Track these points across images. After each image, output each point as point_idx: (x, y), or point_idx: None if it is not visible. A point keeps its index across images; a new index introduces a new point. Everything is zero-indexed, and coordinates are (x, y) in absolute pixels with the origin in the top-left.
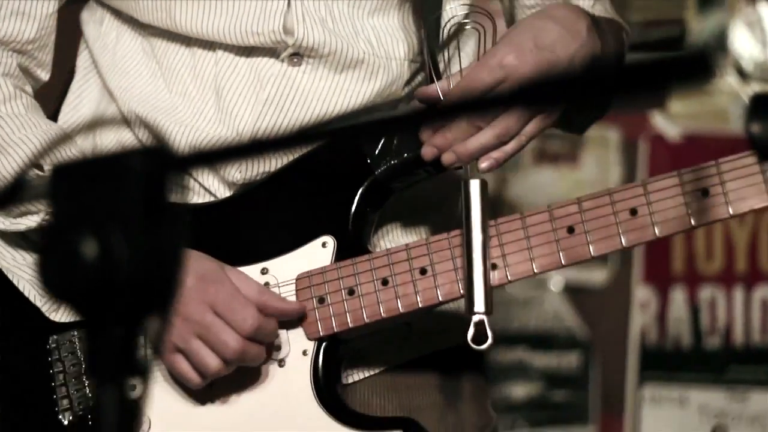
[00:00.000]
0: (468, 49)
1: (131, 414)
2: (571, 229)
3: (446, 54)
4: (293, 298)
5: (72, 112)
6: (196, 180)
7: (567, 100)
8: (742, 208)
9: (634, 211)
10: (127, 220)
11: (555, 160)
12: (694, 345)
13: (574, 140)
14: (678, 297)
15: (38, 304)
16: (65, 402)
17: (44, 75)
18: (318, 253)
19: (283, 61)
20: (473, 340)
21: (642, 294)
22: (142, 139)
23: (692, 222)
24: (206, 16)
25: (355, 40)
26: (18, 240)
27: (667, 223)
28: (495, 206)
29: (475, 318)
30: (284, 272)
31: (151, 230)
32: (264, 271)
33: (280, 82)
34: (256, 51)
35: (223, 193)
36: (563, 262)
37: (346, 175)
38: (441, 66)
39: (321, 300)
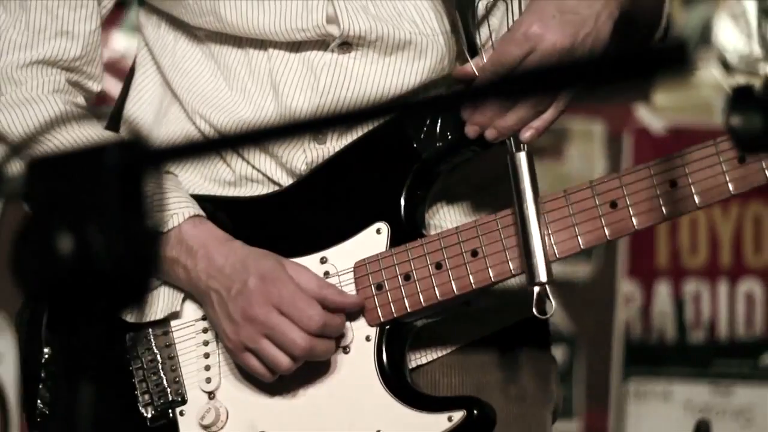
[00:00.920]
0: (496, 21)
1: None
2: (614, 204)
3: (480, 29)
4: (352, 286)
5: (135, 107)
6: (259, 170)
7: (600, 71)
8: None
9: (673, 183)
10: (103, 214)
11: (539, 154)
12: (679, 339)
13: (559, 134)
14: (662, 291)
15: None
16: (146, 397)
17: (96, 86)
18: (373, 239)
19: (333, 51)
20: (537, 309)
21: (626, 288)
22: (207, 135)
23: (731, 190)
24: (252, 16)
25: (399, 21)
26: None
27: (708, 193)
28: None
29: (537, 288)
30: (342, 260)
31: (127, 224)
32: (323, 260)
33: (334, 70)
34: (306, 45)
35: (287, 182)
36: (608, 236)
37: (395, 160)
38: (485, 36)
39: (379, 287)
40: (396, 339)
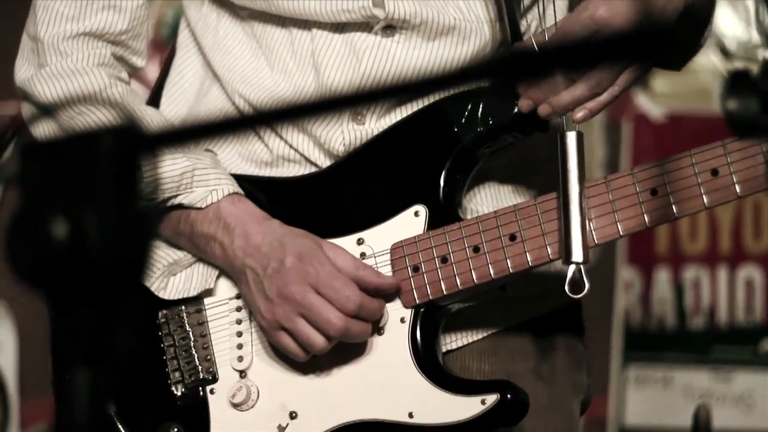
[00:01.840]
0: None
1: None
2: (654, 192)
3: (528, 16)
4: (389, 268)
5: (174, 88)
6: (296, 150)
7: (660, 52)
8: None
9: (715, 172)
10: (98, 200)
11: None
12: (678, 325)
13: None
14: (662, 277)
15: (147, 283)
16: (177, 374)
17: (140, 62)
18: (411, 222)
19: (376, 33)
20: (570, 289)
21: (626, 274)
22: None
23: None
24: None
25: (444, 7)
26: None
27: (749, 182)
28: None
29: (572, 267)
30: (379, 242)
31: (122, 209)
32: (360, 242)
33: (376, 53)
34: (350, 26)
35: (325, 163)
36: (648, 223)
37: (435, 144)
38: (523, 27)
39: (415, 269)
40: (430, 322)
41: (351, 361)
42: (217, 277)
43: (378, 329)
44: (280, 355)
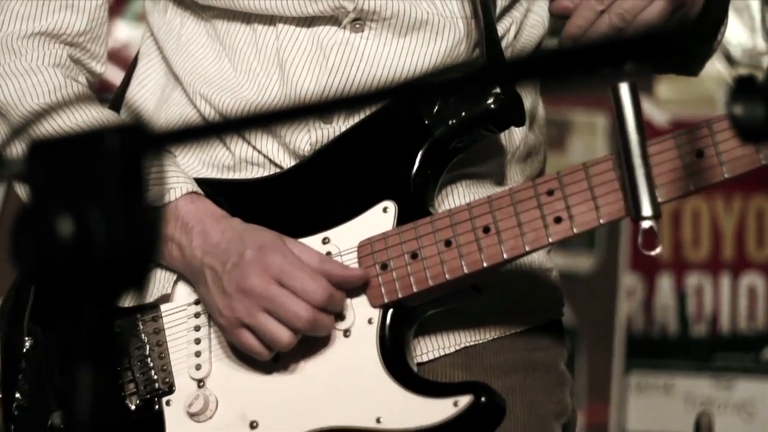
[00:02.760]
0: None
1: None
2: (700, 153)
3: (506, 20)
4: (356, 266)
5: (135, 97)
6: (260, 152)
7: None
8: None
9: (700, 153)
10: (103, 198)
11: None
12: (681, 332)
13: (561, 126)
14: (665, 284)
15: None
16: (131, 386)
17: (99, 67)
18: (379, 218)
19: (345, 28)
20: (643, 244)
21: (628, 281)
22: (208, 118)
23: (761, 159)
24: None
25: (416, 0)
26: None
27: (735, 162)
28: None
29: (645, 224)
30: (346, 240)
31: (128, 208)
32: (325, 241)
33: (344, 49)
34: (317, 20)
35: (289, 164)
36: (625, 212)
37: (405, 138)
38: (501, 31)
39: (384, 266)
40: (400, 323)
41: (316, 366)
42: (175, 282)
43: (344, 332)
44: (241, 360)
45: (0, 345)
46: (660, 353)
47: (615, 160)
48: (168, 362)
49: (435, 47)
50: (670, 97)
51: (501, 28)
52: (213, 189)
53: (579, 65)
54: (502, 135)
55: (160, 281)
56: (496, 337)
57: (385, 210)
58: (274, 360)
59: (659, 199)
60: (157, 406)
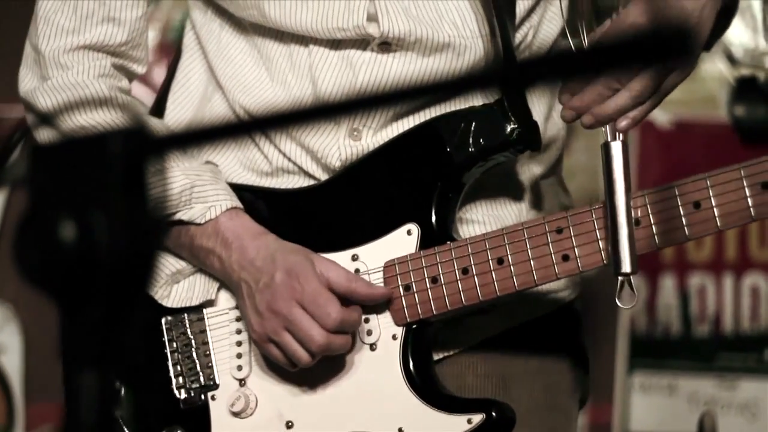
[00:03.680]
0: (536, 21)
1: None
2: (637, 222)
3: (524, 27)
4: (381, 285)
5: (180, 90)
6: (294, 162)
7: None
8: None
9: (697, 205)
10: (106, 202)
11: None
12: (684, 333)
13: (567, 128)
14: (667, 284)
15: (150, 291)
16: (180, 379)
17: (140, 69)
18: (403, 240)
19: (372, 50)
20: (621, 300)
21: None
22: None
23: (752, 215)
24: (294, 12)
25: (439, 24)
26: None
27: (730, 216)
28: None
29: (621, 278)
30: (373, 259)
31: (130, 212)
32: (354, 258)
33: (373, 68)
34: (346, 43)
35: (321, 175)
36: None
37: (427, 163)
38: (519, 38)
39: (407, 288)
40: (421, 338)
41: (345, 376)
42: (219, 289)
43: (371, 345)
44: (276, 365)
45: (60, 336)
46: (663, 353)
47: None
48: (212, 360)
49: (458, 66)
50: (672, 98)
51: (519, 34)
52: (253, 196)
53: (590, 66)
54: None
55: (205, 286)
56: (514, 325)
57: (409, 233)
58: (308, 368)
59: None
60: (203, 399)
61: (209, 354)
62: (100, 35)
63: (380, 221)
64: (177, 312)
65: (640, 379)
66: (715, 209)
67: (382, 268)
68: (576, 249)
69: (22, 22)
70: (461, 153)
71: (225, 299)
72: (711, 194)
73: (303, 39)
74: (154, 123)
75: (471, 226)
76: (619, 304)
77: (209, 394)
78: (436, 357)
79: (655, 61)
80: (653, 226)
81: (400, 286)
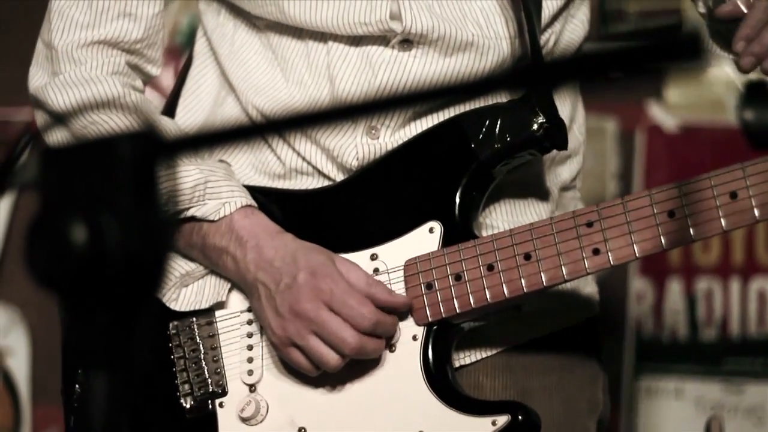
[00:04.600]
0: (581, 16)
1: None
2: (671, 213)
3: (548, 31)
4: (402, 285)
5: (191, 98)
6: (309, 162)
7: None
8: None
9: (734, 195)
10: (117, 205)
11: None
12: (691, 337)
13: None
14: (674, 289)
15: (158, 294)
16: (186, 387)
17: (154, 70)
18: (425, 238)
19: (393, 47)
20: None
21: (638, 285)
22: None
23: None
24: (314, 8)
25: (463, 23)
26: None
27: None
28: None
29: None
30: (393, 258)
31: (141, 214)
32: (374, 257)
33: (392, 67)
34: (366, 39)
35: (337, 175)
36: (664, 245)
37: (451, 160)
38: (544, 40)
39: (429, 286)
40: (443, 340)
41: (362, 377)
42: (229, 290)
43: (390, 346)
44: (290, 369)
45: (62, 339)
46: (670, 357)
47: (652, 196)
48: (221, 366)
49: (480, 67)
50: (679, 102)
51: (541, 40)
52: (267, 198)
53: (611, 68)
54: None
55: (215, 288)
56: (535, 336)
57: (431, 230)
58: (324, 371)
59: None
60: (210, 407)
61: (218, 359)
62: (116, 31)
63: (400, 219)
64: (185, 316)
65: (647, 383)
66: (752, 199)
67: (402, 267)
68: (607, 242)
69: (28, 26)
70: (486, 149)
71: (236, 301)
72: (748, 184)
73: (322, 36)
74: (166, 123)
75: (491, 231)
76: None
77: (217, 402)
78: (454, 365)
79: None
80: (687, 218)
81: (422, 285)
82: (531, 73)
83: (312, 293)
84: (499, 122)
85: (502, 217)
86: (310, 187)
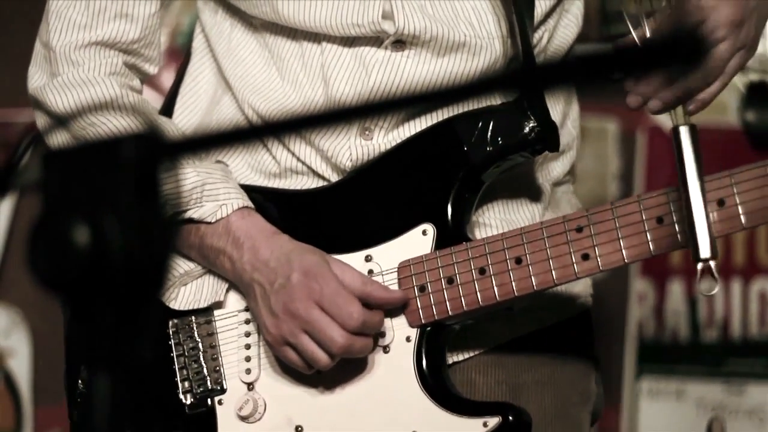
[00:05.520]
0: (575, 10)
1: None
2: (660, 219)
3: (541, 29)
4: (396, 286)
5: (189, 94)
6: (303, 162)
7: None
8: None
9: (721, 202)
10: (119, 206)
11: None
12: (692, 338)
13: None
14: (676, 290)
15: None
16: (186, 384)
17: (152, 69)
18: (419, 240)
19: (386, 48)
20: (702, 286)
21: (639, 286)
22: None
23: None
24: (308, 9)
25: (455, 23)
26: None
27: (755, 214)
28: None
29: (701, 265)
30: (387, 260)
31: (143, 216)
32: (368, 259)
33: (386, 67)
34: (359, 40)
35: (331, 176)
36: (653, 251)
37: (444, 163)
38: (534, 41)
39: (422, 288)
40: (436, 341)
41: (357, 378)
42: (227, 290)
43: (384, 348)
44: (287, 368)
45: (64, 334)
46: (671, 359)
47: (641, 202)
48: (220, 364)
49: (472, 67)
50: None
51: (535, 38)
52: (263, 197)
53: (605, 71)
54: None
55: (213, 288)
56: (528, 332)
57: (424, 233)
58: (319, 371)
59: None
60: (210, 403)
61: (217, 357)
62: (113, 31)
63: (394, 221)
64: (184, 314)
65: (648, 385)
66: (739, 207)
67: (396, 269)
68: (596, 248)
69: (28, 27)
70: (479, 152)
71: (234, 301)
72: (735, 191)
73: (316, 37)
74: (164, 123)
75: (484, 230)
76: (700, 291)
77: (216, 399)
78: (447, 363)
79: (673, 66)
80: (675, 225)
81: (415, 287)
82: (528, 78)
83: (304, 293)
84: (491, 125)
85: (496, 216)
86: (305, 186)
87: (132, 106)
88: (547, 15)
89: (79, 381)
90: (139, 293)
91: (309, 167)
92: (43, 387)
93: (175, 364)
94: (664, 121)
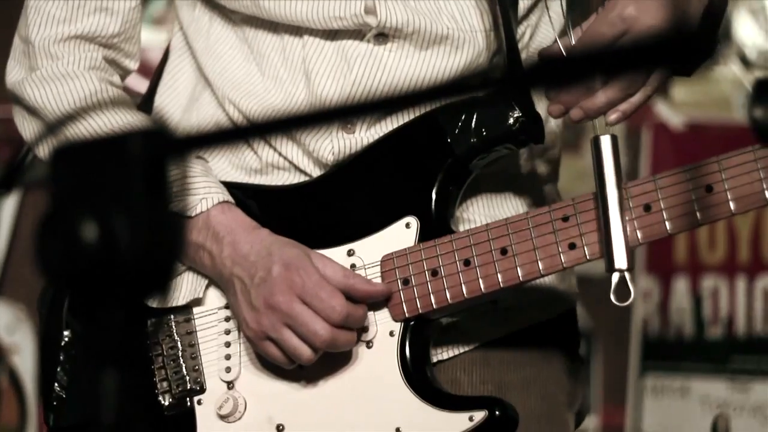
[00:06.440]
0: (556, 8)
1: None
2: (647, 207)
3: (524, 24)
4: (379, 280)
5: (168, 92)
6: (285, 158)
7: (691, 51)
8: None
9: (709, 188)
10: (127, 202)
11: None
12: (697, 335)
13: (576, 129)
14: (680, 287)
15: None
16: (164, 384)
17: (132, 65)
18: (402, 233)
19: (368, 41)
20: (616, 297)
21: (644, 283)
22: (236, 122)
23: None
24: (289, 2)
25: (438, 16)
26: None
27: (743, 200)
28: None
29: (616, 275)
30: (370, 254)
31: (151, 212)
32: (350, 253)
33: (368, 61)
34: (342, 33)
35: (313, 170)
36: (641, 239)
37: (427, 155)
38: (518, 35)
39: (405, 281)
40: (420, 335)
41: (339, 375)
42: (206, 287)
43: (367, 343)
44: (268, 366)
45: (39, 336)
46: (676, 356)
47: (628, 190)
48: (199, 363)
49: (455, 61)
50: (685, 100)
51: (517, 33)
52: (244, 194)
53: (591, 71)
54: None
55: (192, 285)
56: (513, 330)
57: (407, 226)
58: (301, 367)
59: (669, 232)
60: (189, 404)
61: (196, 356)
62: (92, 25)
63: (377, 215)
64: (162, 313)
65: (653, 382)
66: (728, 192)
67: (379, 263)
68: (583, 237)
69: (17, 20)
70: (462, 144)
71: (214, 298)
72: (723, 177)
73: (297, 30)
74: (140, 120)
75: (468, 226)
76: (614, 300)
77: (195, 399)
78: (431, 361)
79: (657, 66)
80: (664, 212)
81: (398, 280)
82: (517, 79)
83: (285, 286)
84: (475, 116)
85: (480, 211)
86: (287, 182)
87: (111, 101)
88: (529, 11)
89: (56, 384)
90: (146, 289)
91: (291, 162)
92: None
93: (153, 364)
94: (669, 117)
